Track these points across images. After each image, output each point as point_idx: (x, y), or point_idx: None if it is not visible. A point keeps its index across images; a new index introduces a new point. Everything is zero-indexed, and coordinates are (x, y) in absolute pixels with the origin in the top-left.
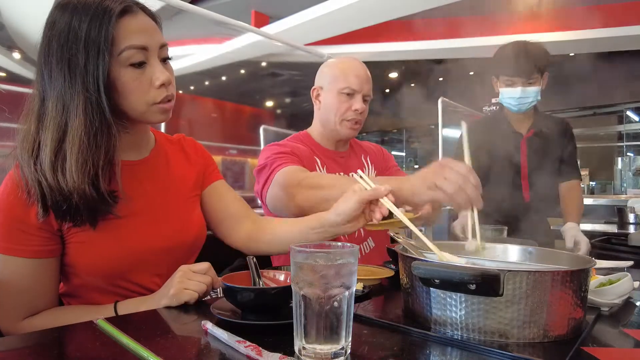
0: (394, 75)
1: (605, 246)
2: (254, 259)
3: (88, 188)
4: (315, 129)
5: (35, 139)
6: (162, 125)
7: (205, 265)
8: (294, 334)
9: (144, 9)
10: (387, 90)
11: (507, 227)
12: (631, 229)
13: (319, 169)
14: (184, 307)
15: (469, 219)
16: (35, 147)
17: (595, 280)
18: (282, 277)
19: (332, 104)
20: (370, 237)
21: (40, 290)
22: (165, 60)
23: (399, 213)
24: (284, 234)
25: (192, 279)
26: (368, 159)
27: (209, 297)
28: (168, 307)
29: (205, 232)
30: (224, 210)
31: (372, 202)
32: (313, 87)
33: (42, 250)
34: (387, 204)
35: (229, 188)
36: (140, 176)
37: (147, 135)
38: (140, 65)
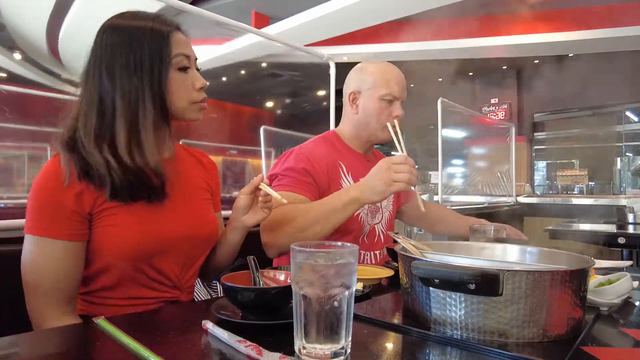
0: None
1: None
2: (254, 258)
3: (160, 165)
4: (346, 131)
5: (98, 130)
6: None
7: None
8: (294, 333)
9: (181, 30)
10: None
11: (506, 227)
12: (630, 229)
13: (344, 175)
14: (184, 307)
15: (417, 193)
16: (101, 136)
17: (594, 280)
18: (282, 277)
19: (373, 109)
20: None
21: (71, 275)
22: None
23: (275, 194)
24: (222, 240)
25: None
26: None
27: (209, 296)
28: (169, 307)
29: (218, 231)
30: None
31: (257, 192)
32: (350, 91)
33: (76, 234)
34: (265, 187)
35: (221, 216)
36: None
37: (167, 139)
38: (185, 69)
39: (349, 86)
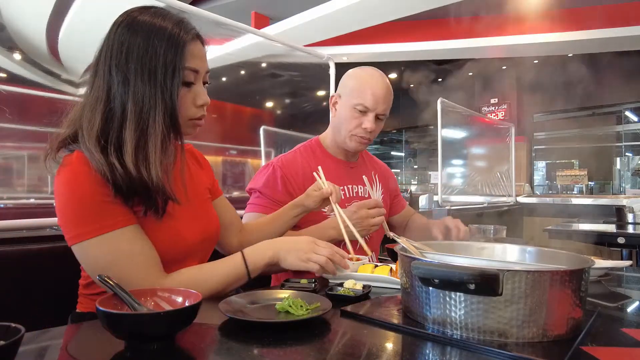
0: (393, 75)
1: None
2: (108, 277)
3: (165, 184)
4: (327, 136)
5: (100, 133)
6: None
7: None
8: None
9: (200, 38)
10: None
11: (506, 227)
12: (630, 229)
13: (320, 179)
14: None
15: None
16: (104, 140)
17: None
18: (180, 299)
19: (344, 116)
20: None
21: (148, 252)
22: (204, 84)
23: (341, 212)
24: (270, 228)
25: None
26: (377, 176)
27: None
28: None
29: (220, 229)
30: (223, 222)
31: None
32: (332, 94)
33: (130, 218)
34: (336, 208)
35: (228, 201)
36: (173, 177)
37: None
38: (189, 85)
39: (335, 90)
